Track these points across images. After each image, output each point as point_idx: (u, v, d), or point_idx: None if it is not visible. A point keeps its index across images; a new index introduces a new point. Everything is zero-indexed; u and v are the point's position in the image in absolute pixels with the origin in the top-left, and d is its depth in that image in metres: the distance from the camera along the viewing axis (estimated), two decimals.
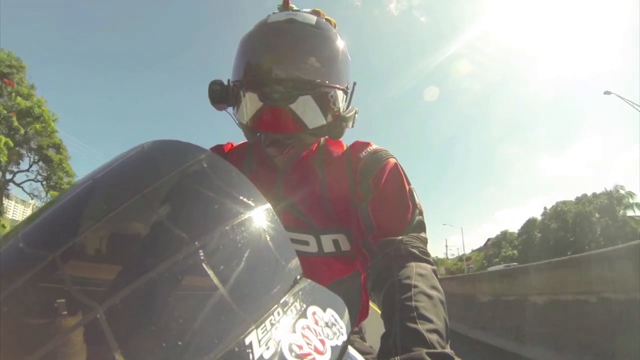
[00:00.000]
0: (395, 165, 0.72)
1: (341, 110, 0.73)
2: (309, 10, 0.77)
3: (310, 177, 0.74)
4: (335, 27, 0.77)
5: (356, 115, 0.76)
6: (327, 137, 0.76)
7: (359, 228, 0.68)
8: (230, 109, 0.76)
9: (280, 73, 0.66)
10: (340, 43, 0.73)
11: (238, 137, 0.85)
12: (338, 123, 0.72)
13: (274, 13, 0.76)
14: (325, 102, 0.68)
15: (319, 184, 0.73)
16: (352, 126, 0.76)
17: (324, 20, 0.76)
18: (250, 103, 0.68)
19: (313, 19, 0.73)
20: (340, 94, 0.72)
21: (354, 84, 0.78)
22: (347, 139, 0.81)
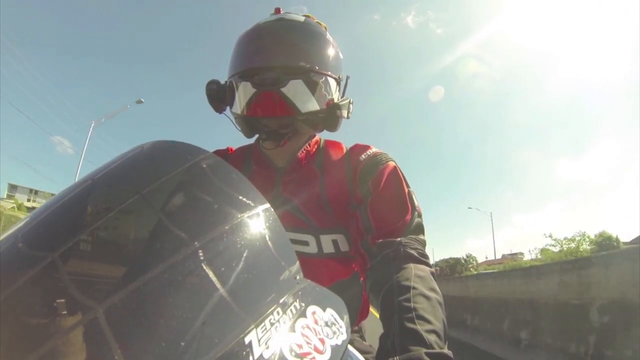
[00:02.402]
0: (395, 168, 0.73)
1: (335, 99, 0.75)
2: (300, 14, 0.81)
3: (309, 178, 0.75)
4: (326, 29, 0.80)
5: (351, 105, 0.78)
6: (324, 128, 0.77)
7: (358, 230, 0.69)
8: (228, 111, 0.78)
9: (270, 61, 0.69)
10: (329, 38, 0.76)
11: (238, 143, 0.88)
12: (333, 111, 0.73)
13: (266, 18, 0.79)
14: (316, 88, 0.70)
15: (318, 184, 0.74)
16: (348, 116, 0.78)
17: (314, 21, 0.79)
18: (244, 92, 0.70)
19: (302, 18, 0.77)
20: (332, 82, 0.74)
21: (347, 77, 0.81)
22: (349, 141, 0.82)
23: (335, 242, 0.72)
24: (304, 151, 0.78)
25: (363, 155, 0.75)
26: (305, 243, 0.71)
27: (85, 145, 16.68)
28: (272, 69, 0.68)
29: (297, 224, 0.71)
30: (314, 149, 0.79)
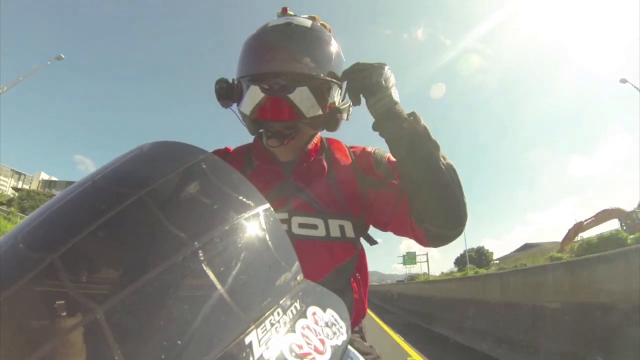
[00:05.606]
0: None
1: (336, 102, 0.80)
2: (306, 16, 0.85)
3: (319, 169, 0.82)
4: (330, 31, 0.85)
5: (350, 108, 0.83)
6: (324, 129, 0.83)
7: (393, 196, 0.78)
8: (234, 107, 0.82)
9: (279, 67, 0.74)
10: (334, 44, 0.81)
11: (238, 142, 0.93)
12: (333, 114, 0.79)
13: (274, 19, 0.83)
14: (320, 94, 0.75)
15: (328, 174, 0.81)
16: (348, 118, 0.84)
17: (319, 24, 0.84)
18: (253, 95, 0.74)
19: (309, 22, 0.81)
20: (335, 87, 0.79)
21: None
22: (360, 138, 0.91)
23: (342, 227, 0.77)
24: (313, 145, 0.85)
25: (368, 149, 0.86)
26: (315, 227, 0.75)
27: None
28: (280, 76, 0.72)
29: (307, 208, 0.77)
30: (318, 146, 0.87)
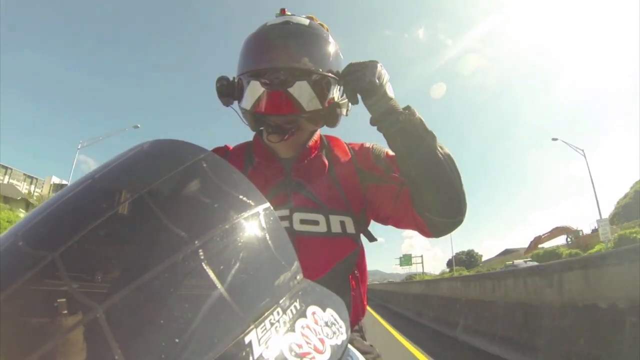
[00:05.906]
0: None
1: (335, 98, 0.81)
2: (304, 16, 0.86)
3: (319, 165, 0.83)
4: (327, 30, 0.86)
5: (349, 104, 0.84)
6: (324, 124, 0.84)
7: (393, 190, 0.79)
8: (235, 105, 0.83)
9: (278, 63, 0.75)
10: (332, 41, 0.82)
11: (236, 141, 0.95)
12: (333, 109, 0.80)
13: (272, 19, 0.84)
14: (320, 89, 0.76)
15: (329, 170, 0.82)
16: (347, 114, 0.85)
17: (317, 23, 0.85)
18: (253, 90, 0.75)
19: (307, 21, 0.82)
20: (334, 83, 0.80)
21: None
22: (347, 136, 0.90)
23: (342, 223, 0.78)
24: (313, 142, 0.85)
25: (366, 145, 0.87)
26: (316, 222, 0.76)
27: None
28: (279, 70, 0.73)
29: (309, 204, 0.77)
30: (317, 144, 0.87)
